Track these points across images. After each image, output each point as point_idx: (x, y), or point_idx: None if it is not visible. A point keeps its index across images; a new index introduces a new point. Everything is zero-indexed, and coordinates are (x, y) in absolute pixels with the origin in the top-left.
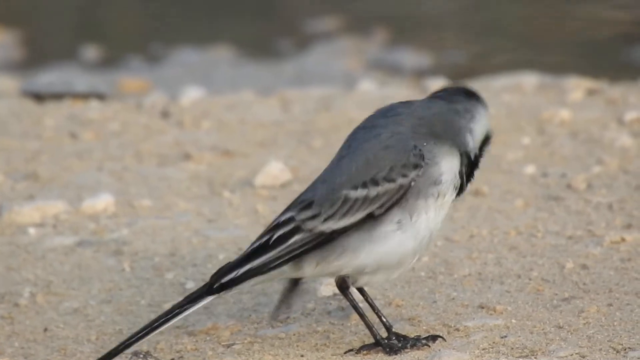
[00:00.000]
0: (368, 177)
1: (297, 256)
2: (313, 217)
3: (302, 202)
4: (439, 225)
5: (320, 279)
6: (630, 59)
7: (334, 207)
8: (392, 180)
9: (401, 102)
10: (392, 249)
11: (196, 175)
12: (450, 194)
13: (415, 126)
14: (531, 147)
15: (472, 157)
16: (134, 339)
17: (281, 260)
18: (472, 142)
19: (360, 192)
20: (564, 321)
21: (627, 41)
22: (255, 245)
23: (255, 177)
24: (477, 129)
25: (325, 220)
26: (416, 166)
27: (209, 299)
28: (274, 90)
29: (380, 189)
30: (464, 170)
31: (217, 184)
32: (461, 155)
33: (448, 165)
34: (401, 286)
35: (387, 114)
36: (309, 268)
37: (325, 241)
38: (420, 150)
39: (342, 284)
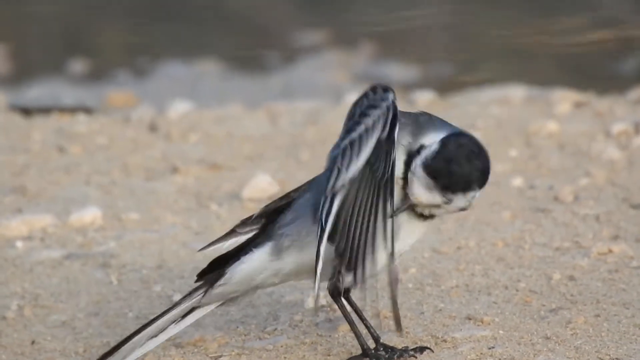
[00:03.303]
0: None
1: None
2: None
3: None
4: None
5: (307, 290)
6: (617, 72)
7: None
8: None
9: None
10: None
11: (184, 189)
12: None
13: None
14: (519, 159)
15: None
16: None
17: None
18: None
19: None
20: (551, 332)
21: (613, 55)
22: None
23: (243, 190)
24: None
25: None
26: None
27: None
28: (261, 104)
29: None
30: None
31: (205, 197)
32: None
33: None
34: (388, 297)
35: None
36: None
37: None
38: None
39: (334, 291)
